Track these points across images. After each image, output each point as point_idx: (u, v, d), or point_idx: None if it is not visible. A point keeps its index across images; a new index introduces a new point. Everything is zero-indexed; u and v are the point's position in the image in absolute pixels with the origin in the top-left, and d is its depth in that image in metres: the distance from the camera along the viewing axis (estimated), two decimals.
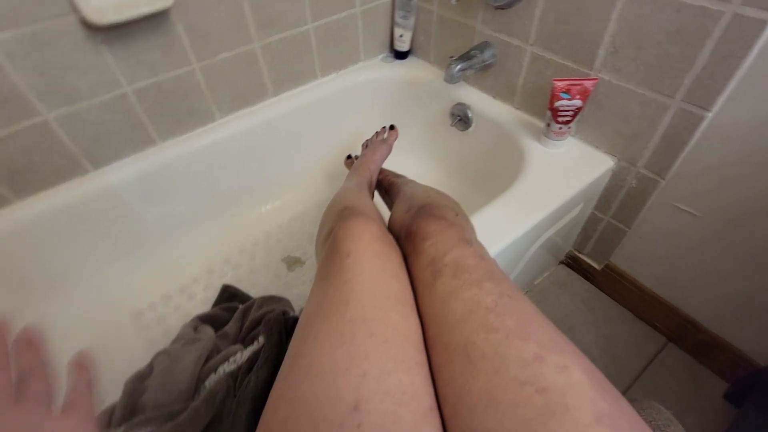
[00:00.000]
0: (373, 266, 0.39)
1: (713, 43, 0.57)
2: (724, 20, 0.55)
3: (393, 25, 1.08)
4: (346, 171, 0.95)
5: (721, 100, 0.60)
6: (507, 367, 0.29)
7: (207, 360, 0.58)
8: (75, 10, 0.64)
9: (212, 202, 1.00)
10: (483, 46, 0.88)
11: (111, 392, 0.46)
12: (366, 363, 0.31)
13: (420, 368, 0.33)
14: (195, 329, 0.70)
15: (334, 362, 0.31)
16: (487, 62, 0.89)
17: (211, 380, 0.51)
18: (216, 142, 0.91)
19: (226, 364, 0.53)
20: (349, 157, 0.99)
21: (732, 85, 0.59)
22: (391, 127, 0.93)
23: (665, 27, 0.61)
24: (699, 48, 0.58)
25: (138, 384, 0.49)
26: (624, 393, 0.84)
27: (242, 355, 0.53)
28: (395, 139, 0.91)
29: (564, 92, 0.72)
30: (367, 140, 0.95)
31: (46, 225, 0.78)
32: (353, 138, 1.15)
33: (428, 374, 0.34)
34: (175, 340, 0.67)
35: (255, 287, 0.93)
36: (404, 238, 0.46)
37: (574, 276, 1.04)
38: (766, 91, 0.57)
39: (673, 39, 0.61)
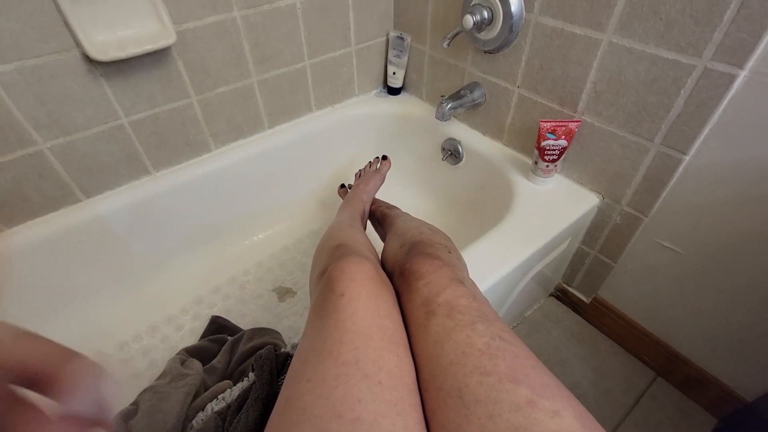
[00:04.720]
0: (367, 306, 0.39)
1: (687, 93, 0.61)
2: (696, 73, 0.59)
3: (387, 62, 1.12)
4: (339, 200, 0.96)
5: (696, 144, 0.64)
6: (500, 412, 0.30)
7: (195, 397, 0.56)
8: (78, 45, 0.66)
9: (204, 230, 1.00)
10: (473, 86, 0.93)
11: None
12: (359, 407, 0.31)
13: (413, 410, 0.33)
14: (182, 363, 0.68)
15: (327, 407, 0.31)
16: (476, 101, 0.93)
17: (198, 419, 0.49)
18: (211, 172, 0.92)
19: (214, 402, 0.52)
20: (342, 186, 1.00)
21: (706, 131, 0.62)
22: (384, 158, 0.95)
23: (642, 77, 0.65)
24: (674, 97, 0.62)
25: (122, 424, 0.47)
26: (616, 428, 0.84)
27: (231, 393, 0.52)
28: (388, 169, 0.93)
29: (550, 132, 0.76)
30: (360, 170, 0.97)
31: (32, 254, 0.76)
32: (347, 167, 1.17)
33: (422, 417, 0.34)
34: (162, 375, 0.65)
35: (245, 318, 0.92)
36: (398, 276, 0.47)
37: (564, 309, 1.05)
38: (736, 137, 0.60)
39: (650, 88, 0.65)
